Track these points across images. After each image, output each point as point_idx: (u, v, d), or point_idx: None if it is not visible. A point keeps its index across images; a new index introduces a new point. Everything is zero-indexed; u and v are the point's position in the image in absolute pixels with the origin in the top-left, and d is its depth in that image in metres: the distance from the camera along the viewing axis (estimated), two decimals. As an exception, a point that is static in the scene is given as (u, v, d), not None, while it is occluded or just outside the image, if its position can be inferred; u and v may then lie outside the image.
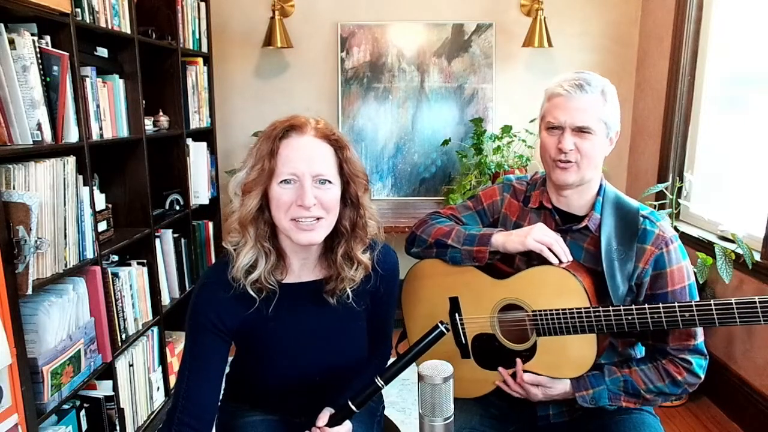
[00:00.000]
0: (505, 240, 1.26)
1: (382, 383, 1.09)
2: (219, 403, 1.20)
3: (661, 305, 1.14)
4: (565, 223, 1.30)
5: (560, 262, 1.22)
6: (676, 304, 1.14)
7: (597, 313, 1.17)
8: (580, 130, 1.21)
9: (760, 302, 1.07)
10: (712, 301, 1.11)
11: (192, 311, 1.15)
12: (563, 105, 1.22)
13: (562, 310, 1.20)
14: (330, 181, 1.11)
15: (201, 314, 1.14)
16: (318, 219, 1.10)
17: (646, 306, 1.15)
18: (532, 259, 1.28)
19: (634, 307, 1.16)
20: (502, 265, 1.33)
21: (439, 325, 1.09)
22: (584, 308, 1.19)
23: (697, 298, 1.23)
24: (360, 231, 1.17)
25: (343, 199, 1.15)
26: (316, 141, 1.11)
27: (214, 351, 1.15)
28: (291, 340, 1.19)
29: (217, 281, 1.14)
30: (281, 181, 1.08)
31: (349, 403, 1.11)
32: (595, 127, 1.21)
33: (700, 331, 1.22)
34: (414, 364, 1.12)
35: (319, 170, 1.09)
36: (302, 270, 1.20)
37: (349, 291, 1.18)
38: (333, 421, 1.14)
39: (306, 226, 1.09)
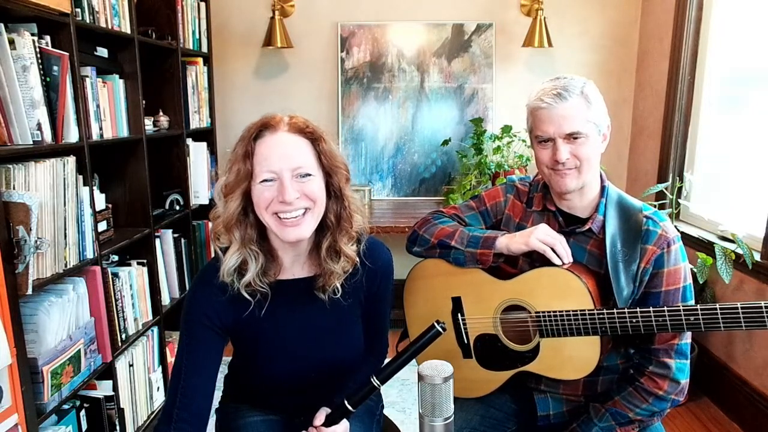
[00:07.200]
0: (509, 242, 1.26)
1: (378, 383, 1.09)
2: (218, 403, 1.19)
3: (665, 308, 1.13)
4: (568, 225, 1.30)
5: (562, 263, 1.21)
6: (681, 307, 1.12)
7: (601, 316, 1.17)
8: (572, 137, 1.20)
9: (766, 307, 1.05)
10: (717, 306, 1.09)
11: (187, 310, 1.16)
12: (547, 117, 1.21)
13: (566, 311, 1.20)
14: (310, 174, 1.09)
15: (195, 313, 1.14)
16: (305, 212, 1.09)
17: (651, 309, 1.14)
18: (535, 260, 1.28)
19: (638, 309, 1.15)
20: (506, 266, 1.33)
21: (436, 324, 1.08)
22: (588, 310, 1.18)
23: (693, 301, 1.22)
24: (345, 223, 1.16)
25: (327, 191, 1.14)
26: (291, 136, 1.09)
27: (210, 346, 1.15)
28: (285, 337, 1.19)
29: (211, 284, 1.14)
30: (261, 181, 1.07)
31: (345, 402, 1.11)
32: (584, 130, 1.20)
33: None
34: (415, 363, 1.11)
35: (297, 163, 1.08)
36: (294, 266, 1.20)
37: (338, 285, 1.17)
38: (330, 421, 1.14)
39: (290, 222, 1.08)
